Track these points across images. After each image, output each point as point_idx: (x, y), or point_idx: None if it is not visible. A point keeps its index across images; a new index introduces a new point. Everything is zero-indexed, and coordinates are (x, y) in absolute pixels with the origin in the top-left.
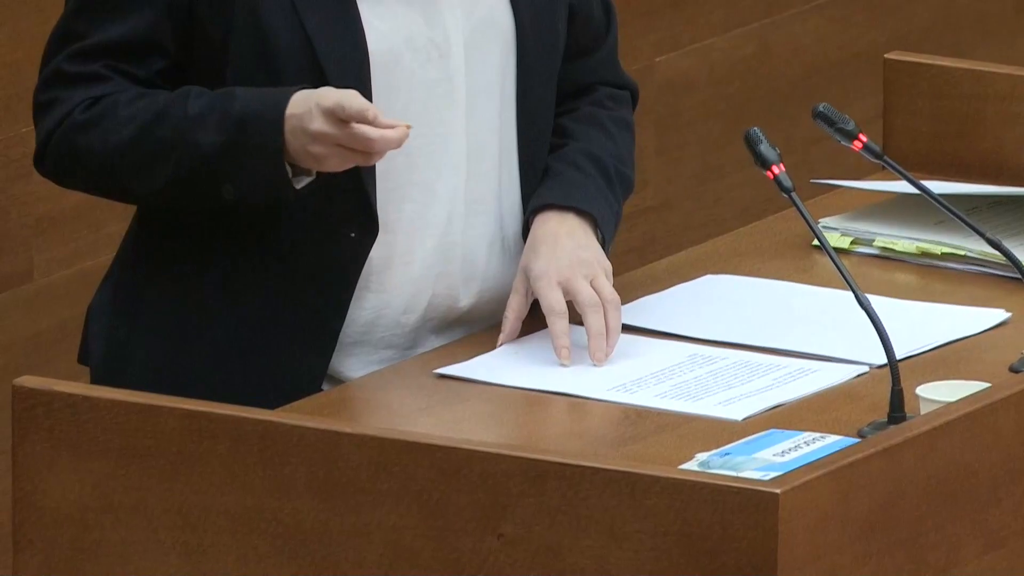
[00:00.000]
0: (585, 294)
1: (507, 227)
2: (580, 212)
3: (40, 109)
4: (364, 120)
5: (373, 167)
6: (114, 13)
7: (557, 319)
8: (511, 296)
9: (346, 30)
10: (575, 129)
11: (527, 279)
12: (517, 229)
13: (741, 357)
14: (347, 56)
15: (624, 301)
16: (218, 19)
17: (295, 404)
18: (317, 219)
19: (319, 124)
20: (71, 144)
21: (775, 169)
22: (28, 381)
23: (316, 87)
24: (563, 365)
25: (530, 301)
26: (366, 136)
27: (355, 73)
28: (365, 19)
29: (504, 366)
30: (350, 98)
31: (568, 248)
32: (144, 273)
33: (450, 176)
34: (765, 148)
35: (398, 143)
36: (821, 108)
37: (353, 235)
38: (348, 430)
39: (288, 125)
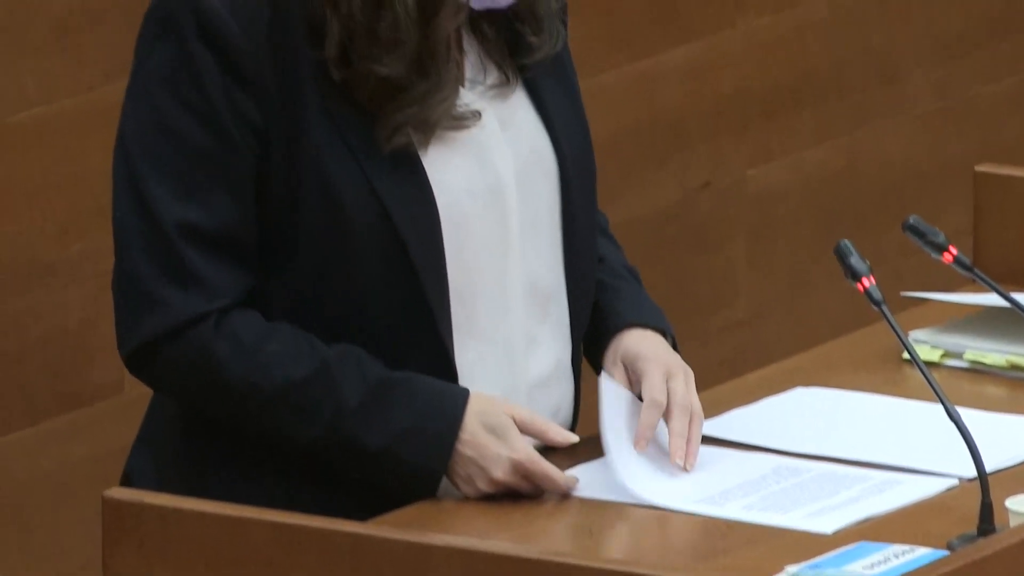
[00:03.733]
0: (682, 394)
1: (561, 361)
2: (658, 329)
3: (143, 303)
4: (551, 482)
5: (449, 319)
6: (201, 192)
7: (654, 409)
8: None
9: (414, 187)
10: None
11: (623, 367)
12: (568, 363)
13: (827, 469)
14: (419, 213)
15: (714, 414)
16: (286, 183)
17: (385, 517)
18: (396, 368)
19: (503, 474)
20: (195, 373)
21: (865, 282)
22: (118, 493)
23: (390, 246)
24: (638, 452)
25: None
26: (553, 486)
27: (428, 229)
28: (429, 174)
29: (590, 479)
30: (539, 461)
31: (668, 351)
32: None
33: (509, 316)
34: (855, 261)
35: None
36: (911, 220)
37: None
38: (438, 543)
39: (459, 452)
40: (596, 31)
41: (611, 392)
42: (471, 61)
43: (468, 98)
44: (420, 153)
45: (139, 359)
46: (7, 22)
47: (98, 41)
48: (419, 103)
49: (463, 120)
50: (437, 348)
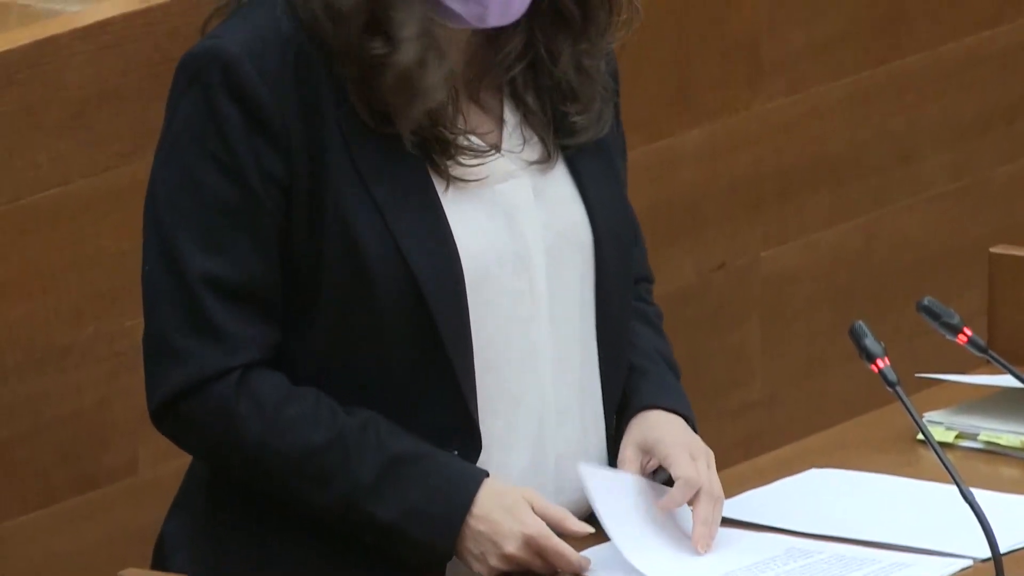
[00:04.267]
0: (707, 479)
1: (591, 434)
2: (680, 413)
3: (168, 356)
4: (564, 560)
5: (474, 384)
6: (227, 246)
7: (688, 490)
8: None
9: (440, 248)
10: (633, 328)
11: (641, 451)
12: (601, 436)
13: (840, 551)
14: (443, 275)
15: (729, 494)
16: (311, 239)
17: None
18: (419, 437)
19: (515, 549)
20: (214, 429)
21: (880, 363)
22: (132, 574)
23: (414, 307)
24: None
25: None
26: (566, 565)
27: (452, 291)
28: (456, 234)
29: (602, 561)
30: (552, 537)
31: (689, 433)
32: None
33: (538, 387)
34: (870, 342)
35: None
36: (926, 302)
37: (456, 452)
38: None
39: (472, 529)
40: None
41: (593, 477)
42: (509, 131)
43: (503, 165)
44: (448, 212)
45: (163, 413)
46: (22, 103)
47: (113, 122)
48: (394, 75)
49: (479, 154)
50: (461, 413)
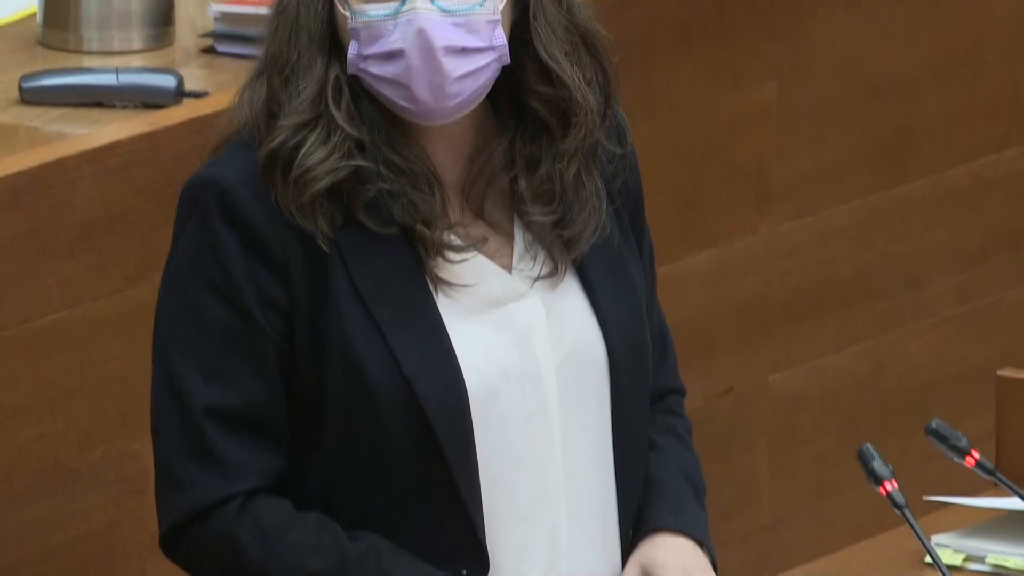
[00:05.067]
0: None
1: (606, 551)
2: (691, 536)
3: (173, 484)
4: None
5: (480, 504)
6: (228, 373)
7: None
8: None
9: (443, 369)
10: (659, 442)
11: (643, 571)
12: (616, 553)
13: None
14: (447, 395)
15: None
16: (312, 362)
17: None
18: (426, 556)
19: None
20: (217, 556)
21: (888, 486)
22: None
23: (418, 428)
24: None
25: None
26: None
27: (455, 412)
28: (460, 355)
29: None
30: None
31: (695, 560)
32: None
33: (549, 505)
34: (878, 465)
35: None
36: (934, 425)
37: (464, 572)
38: None
39: None
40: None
41: None
42: (520, 251)
43: (514, 285)
44: (454, 331)
45: (170, 541)
46: (30, 227)
47: (120, 245)
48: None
49: (460, 250)
50: (468, 533)
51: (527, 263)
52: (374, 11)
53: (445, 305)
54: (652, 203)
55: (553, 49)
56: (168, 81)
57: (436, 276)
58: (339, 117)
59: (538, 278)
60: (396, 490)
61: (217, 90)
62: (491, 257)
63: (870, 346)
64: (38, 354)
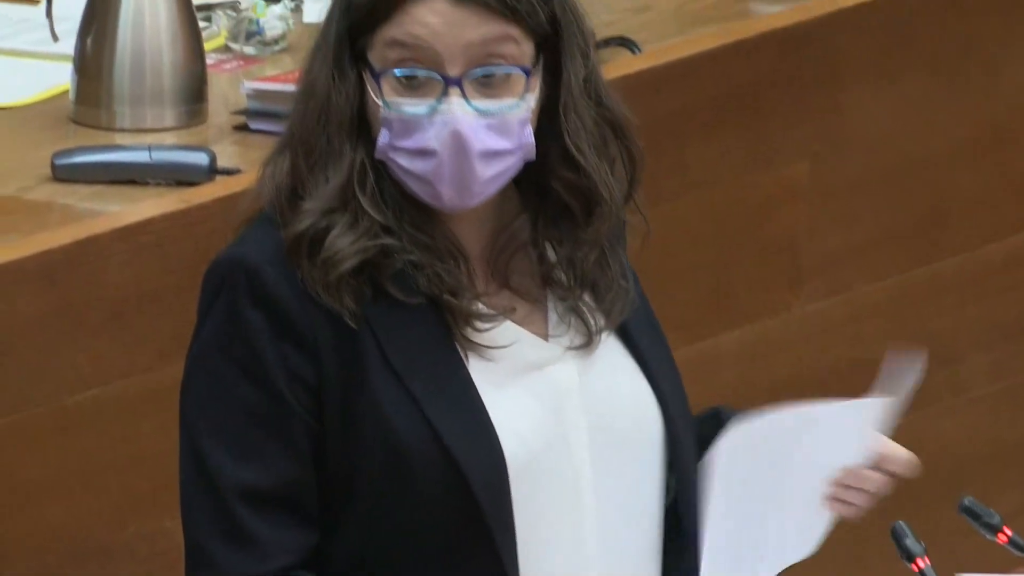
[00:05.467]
0: None
1: None
2: None
3: (204, 565)
4: None
5: (518, 569)
6: (257, 453)
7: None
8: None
9: (481, 437)
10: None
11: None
12: None
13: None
14: (486, 463)
15: None
16: (343, 437)
17: None
18: None
19: None
20: None
21: (921, 563)
22: None
23: (458, 497)
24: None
25: None
26: None
27: (495, 479)
28: (496, 421)
29: None
30: None
31: None
32: None
33: (585, 569)
34: (911, 542)
35: None
36: (967, 502)
37: None
38: None
39: None
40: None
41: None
42: (555, 319)
43: (548, 350)
44: (490, 398)
45: None
46: (63, 304)
47: (152, 323)
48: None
49: (490, 318)
50: None
51: (563, 329)
52: (409, 108)
53: (478, 371)
54: (684, 280)
55: (580, 141)
56: (201, 158)
57: (467, 343)
58: (365, 203)
59: (571, 348)
60: (433, 557)
61: (250, 167)
62: (521, 324)
63: (903, 423)
64: (70, 431)
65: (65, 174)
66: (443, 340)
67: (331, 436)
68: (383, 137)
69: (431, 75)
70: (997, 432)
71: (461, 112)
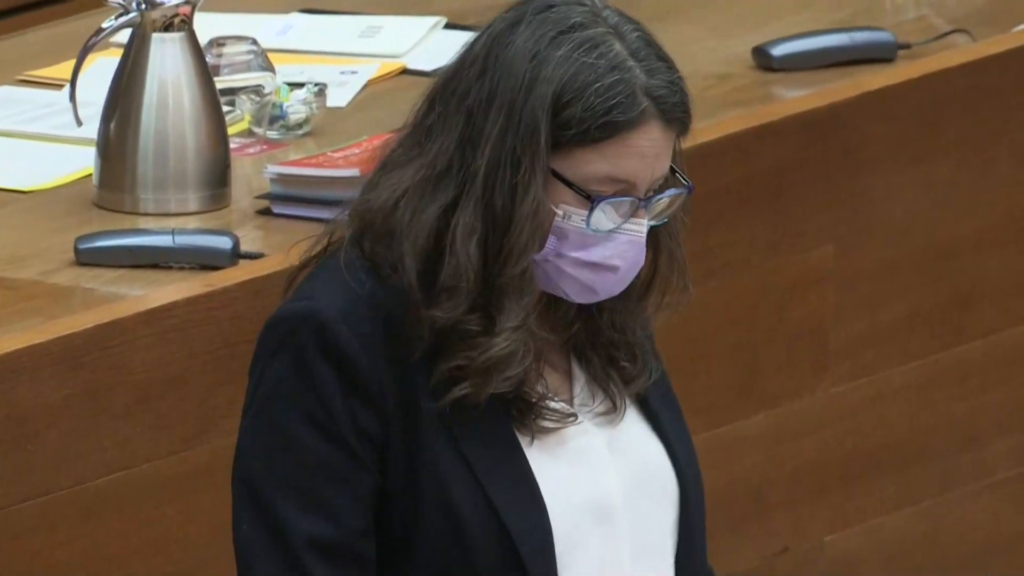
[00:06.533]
0: None
1: None
2: None
3: None
4: None
5: None
6: (327, 505)
7: None
8: None
9: (530, 505)
10: None
11: None
12: None
13: None
14: (536, 531)
15: None
16: (405, 497)
17: None
18: None
19: None
20: None
21: None
22: None
23: (507, 562)
24: None
25: None
26: None
27: (543, 546)
28: (542, 484)
29: None
30: None
31: None
32: None
33: None
34: None
35: None
36: None
37: None
38: None
39: None
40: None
41: None
42: (579, 387)
43: (580, 419)
44: (531, 462)
45: None
46: (87, 388)
47: (177, 406)
48: (484, 357)
49: (562, 417)
50: None
51: (586, 398)
52: (596, 225)
53: (521, 436)
54: (710, 363)
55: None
56: (224, 243)
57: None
58: (534, 324)
59: (599, 415)
60: None
61: (273, 251)
62: (551, 393)
63: (927, 507)
64: (95, 514)
65: (88, 258)
66: (495, 406)
67: (394, 492)
68: (550, 243)
69: (629, 199)
70: (1021, 516)
71: (645, 229)
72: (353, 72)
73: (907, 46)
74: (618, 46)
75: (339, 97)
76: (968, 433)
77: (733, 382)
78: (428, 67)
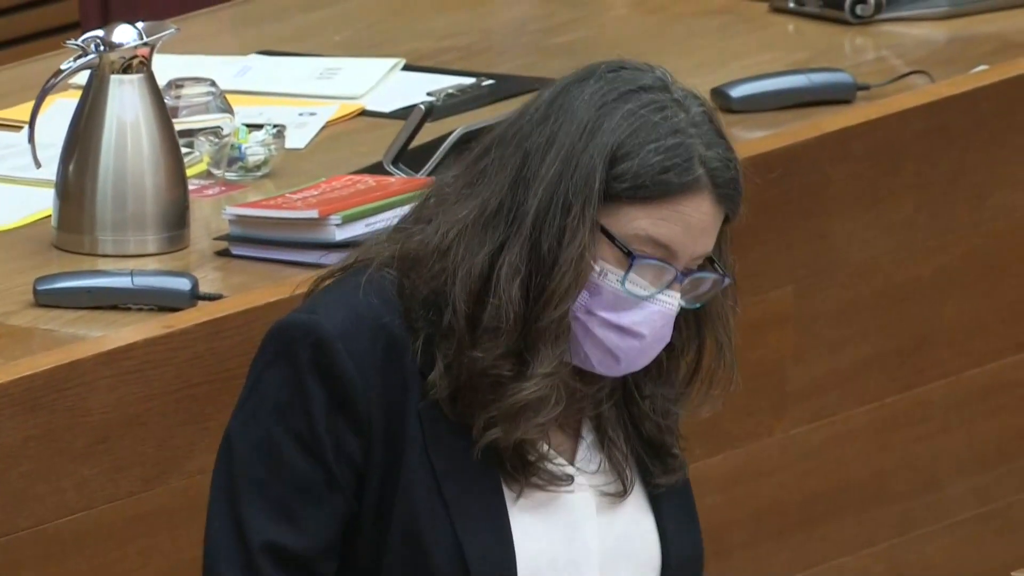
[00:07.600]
0: None
1: None
2: None
3: None
4: None
5: None
6: (295, 518)
7: None
8: None
9: (499, 554)
10: None
11: None
12: None
13: None
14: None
15: None
16: (375, 525)
17: None
18: None
19: None
20: None
21: None
22: None
23: None
24: None
25: None
26: None
27: None
28: (516, 534)
29: None
30: None
31: None
32: None
33: None
34: None
35: None
36: None
37: None
38: None
39: None
40: None
41: None
42: (584, 447)
43: (576, 478)
44: (511, 512)
45: None
46: (46, 429)
47: (136, 448)
48: (512, 400)
49: (556, 480)
50: None
51: (590, 462)
52: (633, 288)
53: (509, 492)
54: None
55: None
56: (183, 284)
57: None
58: (566, 375)
59: (601, 490)
60: None
61: (232, 293)
62: (556, 449)
63: (886, 548)
64: (55, 556)
65: (47, 299)
66: (490, 453)
67: (365, 519)
68: (583, 297)
69: (667, 267)
70: (980, 557)
71: (677, 304)
72: (312, 114)
73: (866, 87)
74: (682, 115)
75: (298, 138)
76: (928, 474)
77: (693, 423)
78: (386, 108)
